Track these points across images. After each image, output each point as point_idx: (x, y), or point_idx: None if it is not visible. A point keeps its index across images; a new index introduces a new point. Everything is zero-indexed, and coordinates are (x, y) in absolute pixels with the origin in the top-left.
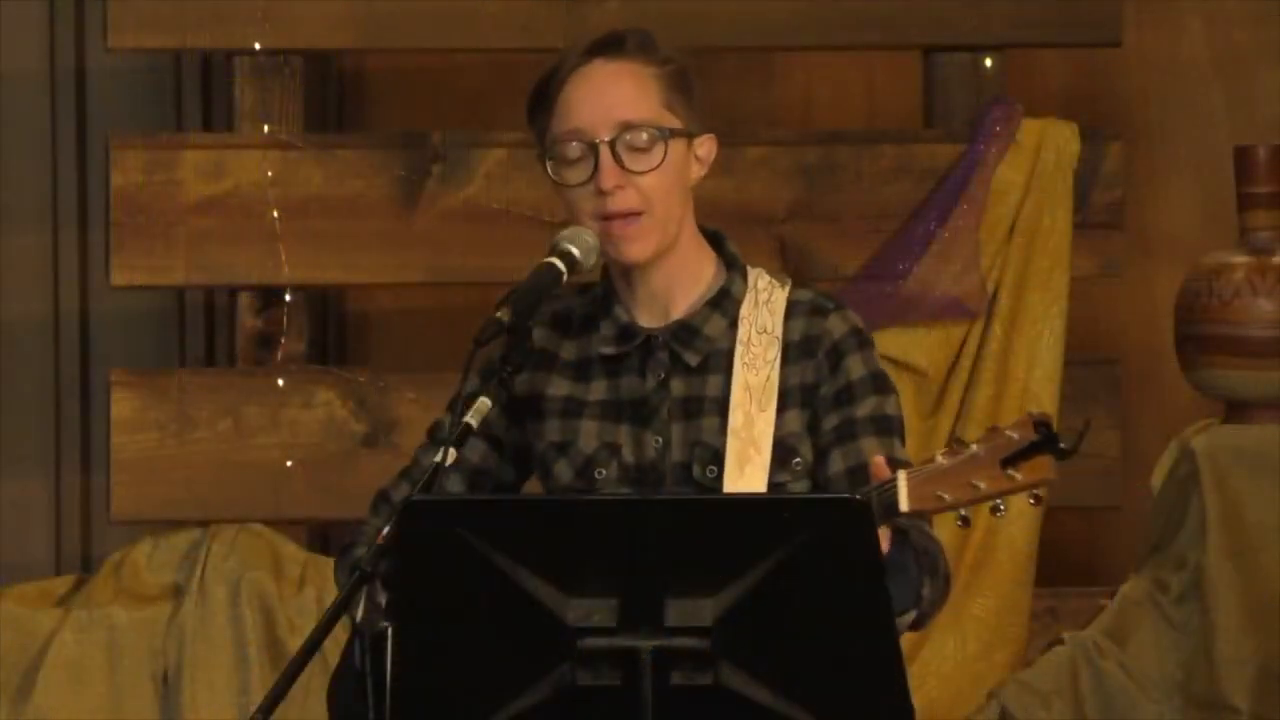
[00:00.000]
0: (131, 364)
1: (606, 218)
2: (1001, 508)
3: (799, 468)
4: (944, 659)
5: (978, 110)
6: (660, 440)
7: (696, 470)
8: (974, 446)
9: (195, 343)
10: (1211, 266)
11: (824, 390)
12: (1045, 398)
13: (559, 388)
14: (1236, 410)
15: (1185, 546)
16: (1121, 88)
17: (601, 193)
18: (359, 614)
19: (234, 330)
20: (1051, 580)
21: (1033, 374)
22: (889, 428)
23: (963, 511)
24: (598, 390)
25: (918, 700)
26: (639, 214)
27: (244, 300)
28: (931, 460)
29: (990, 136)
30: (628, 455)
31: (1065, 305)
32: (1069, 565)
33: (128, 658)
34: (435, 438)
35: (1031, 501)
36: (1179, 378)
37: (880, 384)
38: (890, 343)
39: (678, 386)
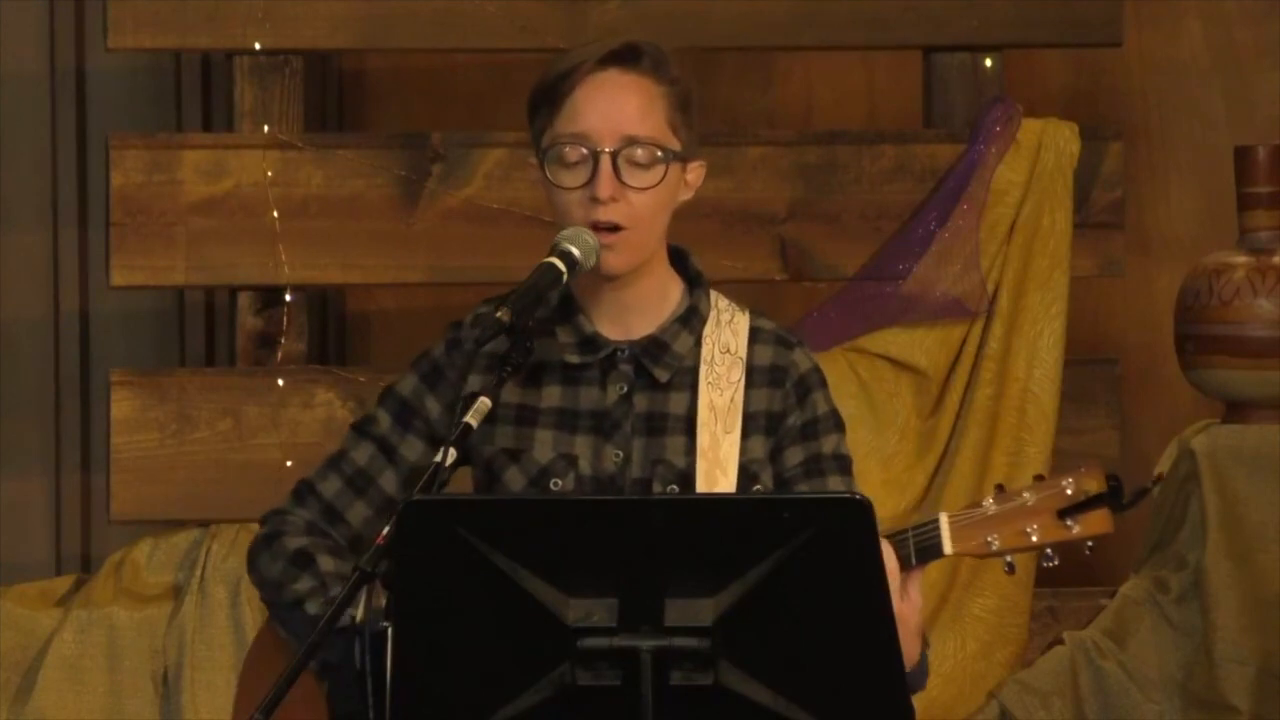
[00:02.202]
0: (131, 364)
1: (593, 226)
2: (1054, 559)
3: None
4: (944, 659)
5: (978, 110)
6: (620, 455)
7: (656, 487)
8: (1025, 495)
9: (195, 343)
10: (1211, 266)
11: (791, 420)
12: (1045, 398)
13: (510, 394)
14: (1236, 410)
15: (1185, 546)
16: (1121, 88)
17: (595, 201)
18: (359, 614)
19: (234, 330)
20: (1051, 580)
21: (1033, 374)
22: (847, 467)
23: (1009, 559)
24: (550, 397)
25: (918, 700)
26: (623, 228)
27: (244, 300)
28: (978, 505)
29: (990, 136)
30: (585, 467)
31: (1065, 305)
32: (1069, 565)
33: (128, 658)
34: (366, 432)
35: (1087, 552)
36: (1179, 378)
37: (839, 422)
38: (890, 343)
39: (641, 401)
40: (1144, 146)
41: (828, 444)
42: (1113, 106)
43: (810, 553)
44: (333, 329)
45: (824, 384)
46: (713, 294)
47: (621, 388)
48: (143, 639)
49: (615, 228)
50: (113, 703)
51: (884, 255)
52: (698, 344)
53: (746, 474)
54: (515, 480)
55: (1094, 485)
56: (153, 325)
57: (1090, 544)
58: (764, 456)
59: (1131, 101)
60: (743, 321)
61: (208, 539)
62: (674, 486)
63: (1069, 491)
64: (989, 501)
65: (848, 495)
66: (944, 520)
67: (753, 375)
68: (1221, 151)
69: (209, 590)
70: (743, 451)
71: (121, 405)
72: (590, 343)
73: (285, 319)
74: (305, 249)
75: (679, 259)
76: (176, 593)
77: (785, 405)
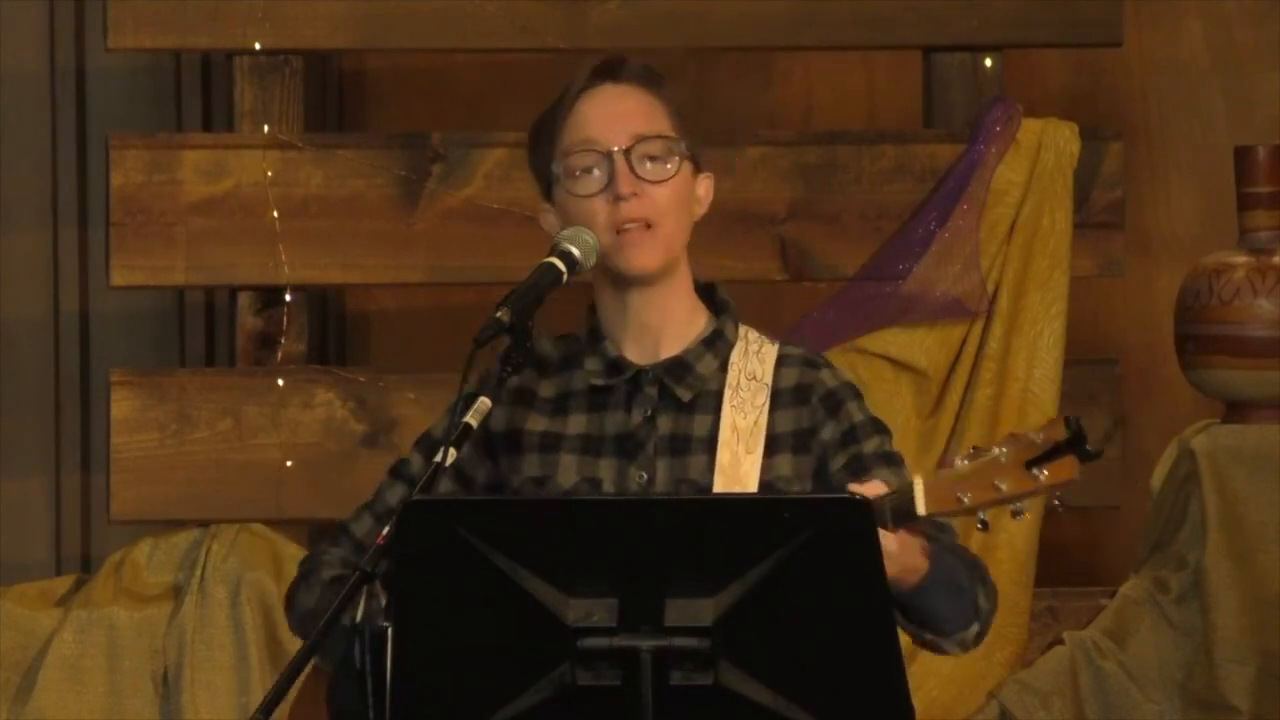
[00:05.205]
0: (131, 364)
1: (621, 228)
2: (1023, 511)
3: None
4: (944, 659)
5: (978, 110)
6: (644, 475)
7: None
8: (996, 450)
9: (195, 343)
10: (1211, 266)
11: (827, 434)
12: (1045, 398)
13: (537, 423)
14: (1236, 410)
15: (1185, 546)
16: (1121, 88)
17: (618, 199)
18: (359, 614)
19: (234, 330)
20: (1051, 580)
21: (1033, 374)
22: (896, 460)
23: (982, 515)
24: (576, 424)
25: (918, 700)
26: (651, 225)
27: (244, 300)
28: (950, 465)
29: (990, 136)
30: (609, 489)
31: (1065, 305)
32: (1069, 565)
33: (128, 658)
34: (400, 474)
35: (1055, 503)
36: (1179, 378)
37: (881, 427)
38: (890, 343)
39: (664, 423)
40: (1144, 146)
41: (870, 444)
42: (1113, 106)
43: (810, 553)
44: (333, 329)
45: (858, 396)
46: (742, 326)
47: (646, 410)
48: (143, 639)
49: (645, 224)
50: (113, 703)
51: (884, 255)
52: (723, 369)
53: (771, 491)
54: None
55: (1061, 434)
56: (153, 325)
57: (1059, 495)
58: (792, 474)
59: (1131, 101)
60: (771, 351)
61: (208, 539)
62: None
63: (1038, 441)
64: (961, 460)
65: (847, 495)
66: (918, 482)
67: (778, 397)
68: (1221, 151)
69: (209, 590)
70: (767, 469)
71: (121, 405)
72: (615, 366)
73: (285, 319)
74: (305, 249)
75: (707, 292)
76: (176, 593)
77: (814, 420)
